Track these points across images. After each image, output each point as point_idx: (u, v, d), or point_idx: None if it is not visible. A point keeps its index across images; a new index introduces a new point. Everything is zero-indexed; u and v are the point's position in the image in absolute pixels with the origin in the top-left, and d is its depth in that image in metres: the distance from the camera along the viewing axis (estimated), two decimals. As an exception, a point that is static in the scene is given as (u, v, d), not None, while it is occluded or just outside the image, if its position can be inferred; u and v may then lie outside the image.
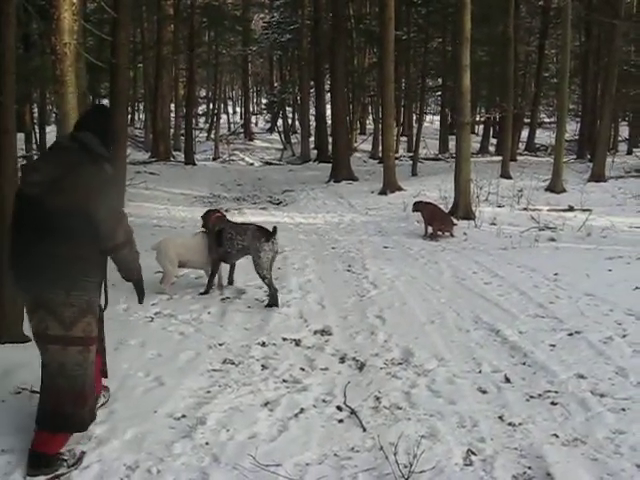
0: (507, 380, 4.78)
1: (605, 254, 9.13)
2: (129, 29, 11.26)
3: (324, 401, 4.43)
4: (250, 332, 5.84)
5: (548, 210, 13.54)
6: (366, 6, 34.25)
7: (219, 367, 4.98)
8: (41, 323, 3.60)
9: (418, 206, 11.25)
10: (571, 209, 13.72)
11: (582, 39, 30.57)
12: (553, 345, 5.48)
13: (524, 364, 5.09)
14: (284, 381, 4.76)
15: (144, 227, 11.50)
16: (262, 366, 5.03)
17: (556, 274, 7.87)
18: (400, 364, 5.12)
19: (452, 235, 10.92)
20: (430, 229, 10.91)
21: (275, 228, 6.82)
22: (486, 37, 24.50)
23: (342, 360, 5.21)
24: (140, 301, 4.26)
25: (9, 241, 3.67)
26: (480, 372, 4.93)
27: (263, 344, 5.51)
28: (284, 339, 5.65)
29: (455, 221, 11.40)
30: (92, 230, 3.54)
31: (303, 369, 4.99)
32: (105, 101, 31.16)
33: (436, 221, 10.94)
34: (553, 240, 10.42)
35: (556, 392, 4.55)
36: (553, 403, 4.40)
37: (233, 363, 5.07)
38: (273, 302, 6.60)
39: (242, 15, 34.64)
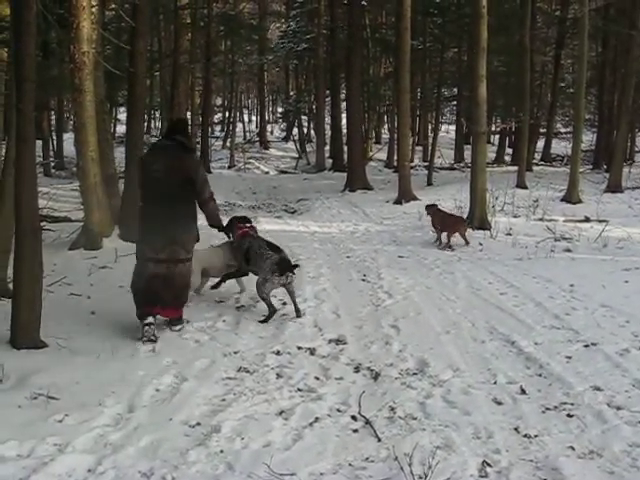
0: (523, 391, 4.75)
1: (621, 265, 9.09)
2: (147, 38, 11.37)
3: (339, 410, 4.43)
4: (265, 340, 5.85)
5: (564, 221, 13.48)
6: (382, 16, 34.30)
7: (234, 375, 4.99)
8: (175, 253, 5.92)
9: (430, 209, 11.33)
10: (587, 220, 13.65)
11: (599, 49, 30.48)
12: (569, 357, 5.44)
13: (540, 375, 5.06)
14: (299, 390, 4.76)
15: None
16: (277, 375, 5.03)
17: (572, 285, 7.84)
18: (415, 374, 5.10)
19: (466, 240, 10.93)
20: (444, 237, 10.95)
21: (297, 265, 6.94)
22: (502, 47, 24.45)
23: (357, 370, 5.20)
24: (229, 237, 7.19)
25: (147, 212, 5.96)
26: (495, 383, 4.91)
27: (278, 353, 5.51)
28: (299, 348, 5.65)
29: (466, 225, 11.34)
30: (193, 194, 5.92)
31: (318, 378, 4.99)
32: (122, 109, 31.49)
33: (448, 227, 10.95)
34: (569, 251, 10.37)
35: (572, 404, 4.52)
36: (569, 415, 4.37)
37: (248, 371, 5.08)
38: (267, 319, 6.44)
39: (258, 24, 34.81)
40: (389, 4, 29.91)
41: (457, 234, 10.93)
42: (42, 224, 11.84)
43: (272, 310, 6.53)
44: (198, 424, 4.15)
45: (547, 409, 4.47)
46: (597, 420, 4.28)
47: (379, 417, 4.33)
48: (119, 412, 4.25)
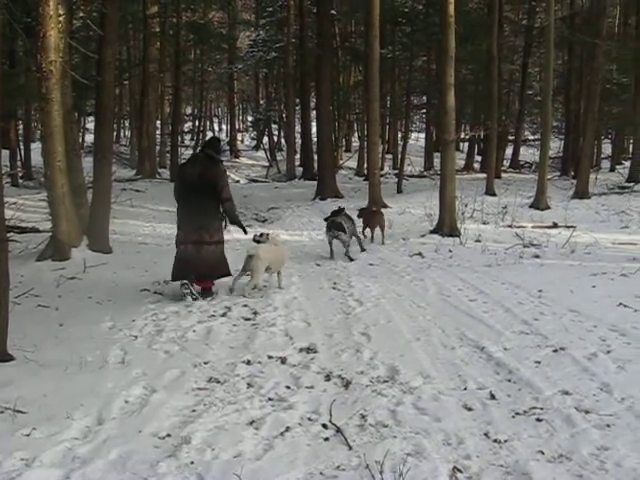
0: (492, 397, 4.78)
1: (589, 270, 9.20)
2: (115, 47, 11.27)
3: (310, 419, 4.41)
4: (235, 350, 5.82)
5: (532, 227, 13.66)
6: (351, 25, 34.52)
7: (204, 385, 4.94)
8: (201, 236, 7.72)
9: (361, 213, 12.66)
10: (555, 226, 13.84)
11: (565, 58, 30.95)
12: (538, 362, 5.48)
13: (509, 381, 5.09)
14: (269, 399, 4.73)
15: (129, 245, 11.49)
16: (247, 384, 5.00)
17: (540, 290, 7.92)
18: (386, 382, 5.10)
19: (382, 235, 12.35)
20: (367, 231, 12.41)
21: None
22: (470, 55, 24.73)
23: (328, 378, 5.18)
24: (245, 232, 8.66)
25: (182, 208, 7.92)
26: (466, 389, 4.93)
27: (248, 362, 5.48)
28: (269, 357, 5.62)
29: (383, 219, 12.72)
30: (217, 194, 7.74)
31: (289, 387, 4.97)
32: (90, 118, 31.24)
33: (370, 222, 12.41)
34: (537, 257, 10.49)
35: (541, 409, 4.55)
36: (538, 420, 4.39)
37: (218, 382, 5.04)
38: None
39: (228, 33, 34.80)
40: (358, 13, 30.10)
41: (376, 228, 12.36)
42: (9, 235, 11.73)
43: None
44: (168, 435, 4.11)
45: (517, 414, 4.49)
46: (566, 424, 4.31)
47: (350, 425, 4.32)
48: (88, 425, 4.19)
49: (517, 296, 7.77)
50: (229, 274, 7.97)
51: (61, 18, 9.77)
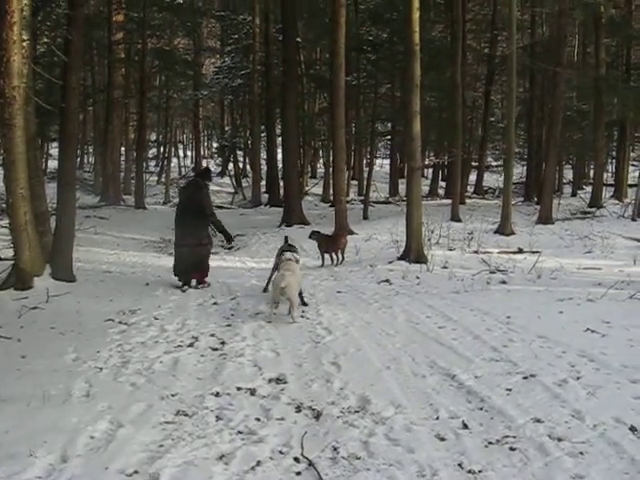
0: (465, 426, 4.74)
1: (556, 296, 9.25)
2: (80, 73, 11.16)
3: (281, 452, 4.32)
4: (203, 382, 5.70)
5: (498, 252, 13.75)
6: (316, 52, 34.77)
7: (172, 419, 4.82)
8: (191, 240, 10.05)
9: (314, 235, 13.04)
10: (520, 251, 13.96)
11: (526, 85, 31.50)
12: (509, 389, 5.47)
13: (481, 409, 5.06)
14: (239, 432, 4.63)
15: (93, 273, 11.30)
16: (216, 417, 4.89)
17: (509, 317, 7.93)
18: (357, 412, 5.04)
19: (342, 256, 12.87)
20: (328, 257, 12.82)
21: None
22: (434, 83, 25.03)
23: (298, 409, 5.10)
24: (229, 242, 11.30)
25: (177, 220, 10.32)
26: (438, 419, 4.88)
27: (217, 394, 5.37)
28: (238, 388, 5.51)
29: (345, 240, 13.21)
30: (203, 211, 10.10)
31: (259, 419, 4.87)
32: (54, 144, 30.88)
33: (331, 246, 12.89)
34: (504, 283, 10.54)
35: (514, 437, 4.53)
36: (512, 448, 4.37)
37: (186, 415, 4.92)
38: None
39: (193, 60, 34.81)
40: (323, 41, 30.35)
41: (335, 251, 12.83)
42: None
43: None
44: (136, 472, 3.98)
45: (490, 443, 4.46)
46: (539, 453, 4.29)
47: (322, 458, 4.25)
48: (51, 462, 4.05)
49: (485, 323, 7.76)
50: (206, 274, 10.33)
51: (25, 44, 9.67)
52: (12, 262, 9.67)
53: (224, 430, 4.65)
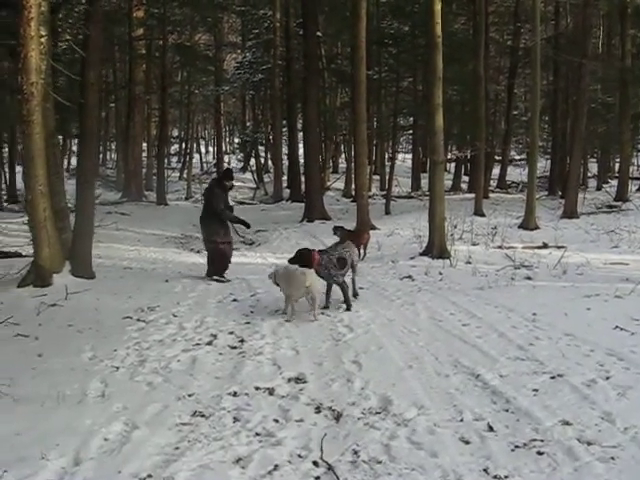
0: (490, 429, 4.57)
1: (582, 292, 9.02)
2: (98, 68, 11.09)
3: (299, 456, 4.19)
4: (221, 381, 5.57)
5: (523, 247, 13.50)
6: (337, 47, 34.58)
7: (188, 420, 4.70)
8: (204, 237, 10.82)
9: (337, 231, 12.69)
10: (545, 246, 13.70)
11: (550, 78, 31.09)
12: (536, 389, 5.28)
13: (507, 411, 4.89)
14: (257, 434, 4.50)
15: (113, 269, 11.25)
16: (234, 418, 4.77)
17: (534, 314, 7.72)
18: (378, 413, 4.89)
19: (364, 252, 12.69)
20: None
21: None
22: (456, 76, 24.74)
23: (318, 410, 4.96)
24: (247, 227, 11.12)
25: (202, 216, 10.78)
26: (462, 420, 4.72)
27: (235, 394, 5.24)
28: (257, 388, 5.38)
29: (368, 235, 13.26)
30: (212, 209, 10.46)
31: (277, 421, 4.74)
32: (76, 141, 30.99)
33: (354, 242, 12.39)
34: (529, 278, 10.31)
35: (542, 441, 4.36)
36: (539, 453, 4.20)
37: (203, 415, 4.80)
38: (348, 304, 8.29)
39: (214, 55, 34.78)
40: (344, 35, 30.16)
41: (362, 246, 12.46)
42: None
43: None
44: (149, 476, 3.87)
45: (516, 447, 4.30)
46: (568, 457, 4.12)
47: (342, 462, 4.11)
48: (63, 466, 3.95)
49: (511, 320, 7.57)
50: (216, 270, 10.47)
51: (43, 39, 9.60)
52: (32, 259, 9.64)
53: (241, 432, 4.53)
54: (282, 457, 4.16)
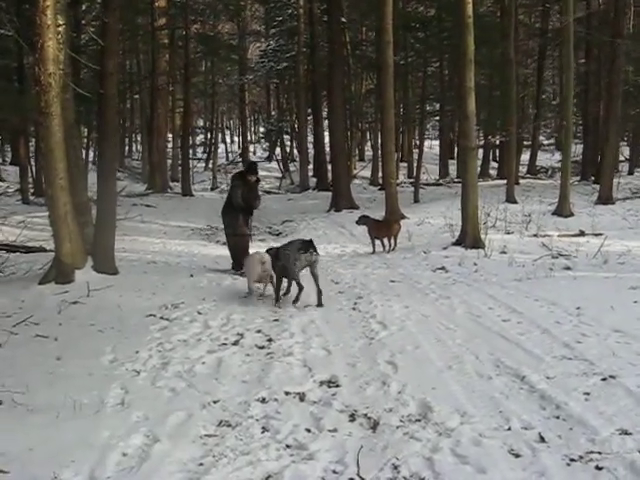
0: (542, 439, 4.18)
1: (627, 283, 8.54)
2: (117, 58, 10.77)
3: (334, 472, 3.83)
4: (249, 385, 5.23)
5: (559, 235, 13.01)
6: (362, 32, 34.03)
7: (213, 431, 4.36)
8: (226, 230, 10.68)
9: (362, 220, 12.59)
10: (582, 234, 13.21)
11: (580, 60, 30.27)
12: (587, 393, 4.87)
13: (558, 418, 4.49)
14: (287, 447, 4.15)
15: (138, 264, 10.97)
16: (262, 428, 4.43)
17: (578, 308, 7.28)
18: (418, 421, 4.52)
19: (395, 242, 12.36)
20: (379, 243, 12.36)
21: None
22: (485, 59, 24.12)
23: (352, 418, 4.60)
24: (250, 212, 10.76)
25: (222, 210, 10.77)
26: (509, 429, 4.33)
27: (263, 400, 4.90)
28: (287, 393, 5.03)
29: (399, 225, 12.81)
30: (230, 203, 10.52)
31: (309, 430, 4.39)
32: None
33: (383, 232, 12.43)
34: (569, 269, 9.84)
35: (599, 453, 3.96)
36: (598, 467, 3.80)
37: (229, 425, 4.46)
38: (297, 297, 7.99)
39: (238, 44, 34.43)
40: (368, 21, 29.63)
41: (388, 236, 12.37)
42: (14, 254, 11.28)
43: (301, 287, 7.96)
44: (171, 498, 3.55)
45: (572, 460, 3.90)
46: (631, 473, 3.72)
47: (381, 478, 3.75)
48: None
49: (554, 314, 7.13)
50: (237, 264, 10.15)
51: (60, 29, 9.29)
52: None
53: (270, 444, 4.18)
54: (315, 473, 3.81)
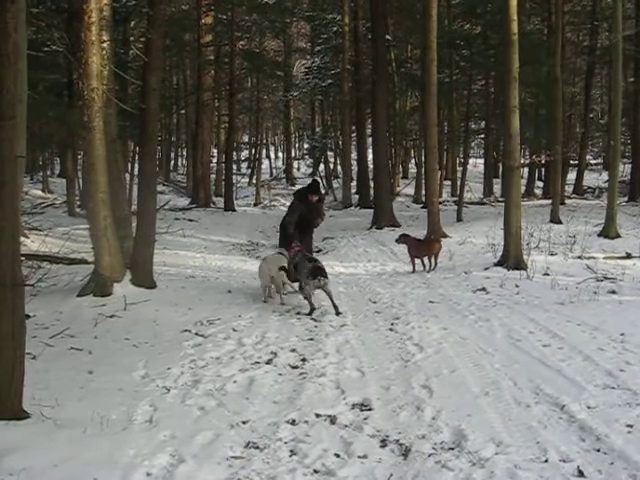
0: (581, 474, 4.00)
1: (675, 309, 8.25)
2: (160, 73, 10.86)
3: (362, 500, 3.72)
4: (279, 406, 5.14)
5: (604, 258, 12.65)
6: (407, 50, 33.97)
7: (240, 452, 4.28)
8: (280, 244, 10.43)
9: (402, 239, 12.41)
10: (629, 256, 12.83)
11: (629, 79, 29.72)
12: (630, 425, 4.66)
13: (598, 450, 4.30)
14: (315, 472, 4.04)
15: (176, 278, 10.98)
16: (290, 451, 4.33)
17: (622, 334, 7.03)
18: (451, 449, 4.37)
19: (435, 262, 12.12)
20: (419, 262, 12.10)
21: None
22: (531, 78, 23.83)
23: (384, 444, 4.47)
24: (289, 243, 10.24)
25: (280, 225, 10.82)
26: (546, 461, 4.16)
27: (293, 422, 4.80)
28: (317, 415, 4.93)
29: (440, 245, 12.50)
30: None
31: (338, 455, 4.27)
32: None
33: (423, 251, 12.21)
34: (614, 292, 9.54)
35: (642, 490, 3.77)
36: (640, 506, 3.62)
37: (257, 447, 4.38)
38: (310, 313, 8.44)
39: (283, 61, 34.66)
40: (412, 39, 29.54)
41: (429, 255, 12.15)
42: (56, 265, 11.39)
43: (312, 307, 8.51)
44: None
45: (613, 498, 3.72)
46: (674, 513, 3.53)
47: (410, 509, 3.62)
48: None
49: (596, 340, 6.90)
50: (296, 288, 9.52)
51: (105, 44, 9.42)
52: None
53: (298, 469, 4.08)
54: (342, 501, 3.70)
